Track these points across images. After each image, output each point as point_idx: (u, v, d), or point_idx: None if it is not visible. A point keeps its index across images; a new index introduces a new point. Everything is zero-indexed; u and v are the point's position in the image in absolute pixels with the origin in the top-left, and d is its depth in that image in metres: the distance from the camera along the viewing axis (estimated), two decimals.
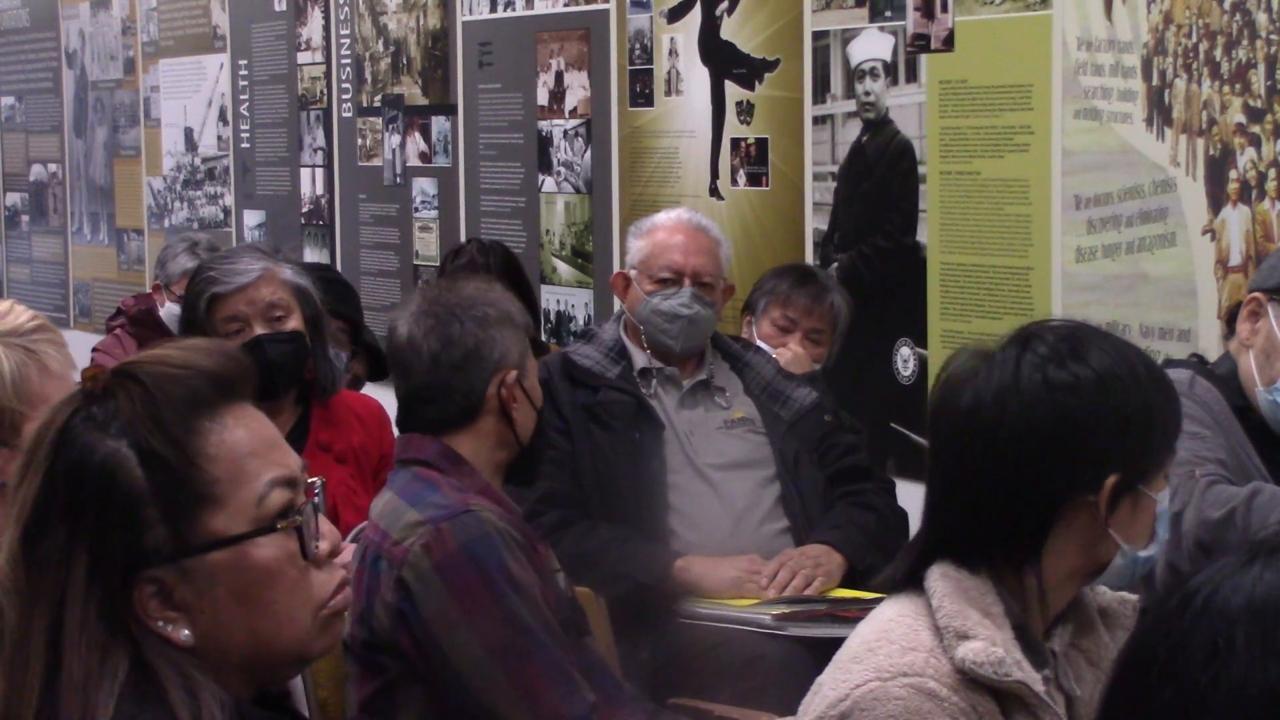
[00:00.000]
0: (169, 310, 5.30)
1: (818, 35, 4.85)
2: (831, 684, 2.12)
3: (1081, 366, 2.09)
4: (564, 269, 5.80)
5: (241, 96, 7.44)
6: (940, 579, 2.11)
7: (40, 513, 1.62)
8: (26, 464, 1.64)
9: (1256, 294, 3.15)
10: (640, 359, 4.02)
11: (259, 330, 3.66)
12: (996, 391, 2.10)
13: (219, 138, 7.59)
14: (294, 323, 3.71)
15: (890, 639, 2.10)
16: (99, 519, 1.61)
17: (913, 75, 4.59)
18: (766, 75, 5.03)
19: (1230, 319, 3.25)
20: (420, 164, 6.45)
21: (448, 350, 3.04)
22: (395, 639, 2.90)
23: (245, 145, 7.44)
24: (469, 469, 3.01)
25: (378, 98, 6.65)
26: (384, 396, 5.00)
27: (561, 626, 2.92)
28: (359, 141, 6.75)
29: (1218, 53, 3.93)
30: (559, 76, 5.79)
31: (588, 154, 5.69)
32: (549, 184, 5.86)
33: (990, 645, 2.06)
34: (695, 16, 5.26)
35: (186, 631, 1.63)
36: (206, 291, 3.68)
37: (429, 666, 2.88)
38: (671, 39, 5.35)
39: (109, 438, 1.63)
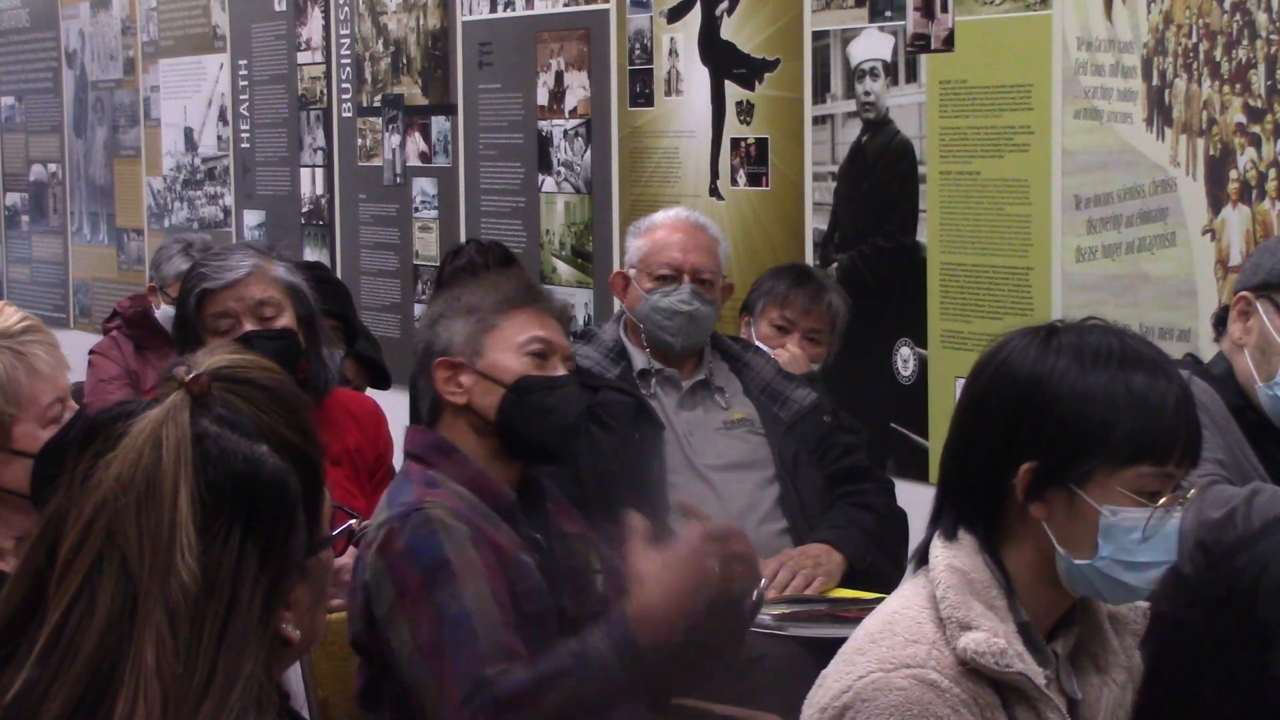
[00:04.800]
0: (164, 312, 5.27)
1: (818, 35, 4.85)
2: (835, 675, 2.13)
3: (1040, 357, 2.12)
4: (564, 269, 5.80)
5: (241, 96, 7.44)
6: (946, 571, 2.12)
7: (208, 519, 1.61)
8: (150, 473, 1.62)
9: (1244, 293, 3.16)
10: (640, 360, 4.03)
11: (249, 327, 3.63)
12: (985, 358, 2.19)
13: (219, 138, 7.59)
14: (285, 321, 3.68)
15: (894, 631, 2.12)
16: (272, 523, 1.64)
17: (913, 75, 4.59)
18: (766, 75, 5.03)
19: (1218, 321, 3.26)
20: (420, 164, 6.45)
21: (417, 352, 3.15)
22: (364, 637, 2.96)
23: (245, 145, 7.44)
24: (460, 458, 3.04)
25: (378, 98, 6.65)
26: (384, 399, 5.01)
27: (537, 617, 2.93)
28: (359, 141, 6.75)
29: (1218, 53, 3.93)
30: (559, 76, 5.79)
31: (588, 154, 5.69)
32: (549, 184, 5.86)
33: (992, 636, 2.07)
34: (695, 16, 5.25)
35: (299, 631, 1.68)
36: (197, 287, 3.66)
37: (387, 663, 2.93)
38: (671, 39, 5.35)
39: (254, 442, 1.65)
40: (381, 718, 3.01)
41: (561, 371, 3.10)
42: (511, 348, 3.07)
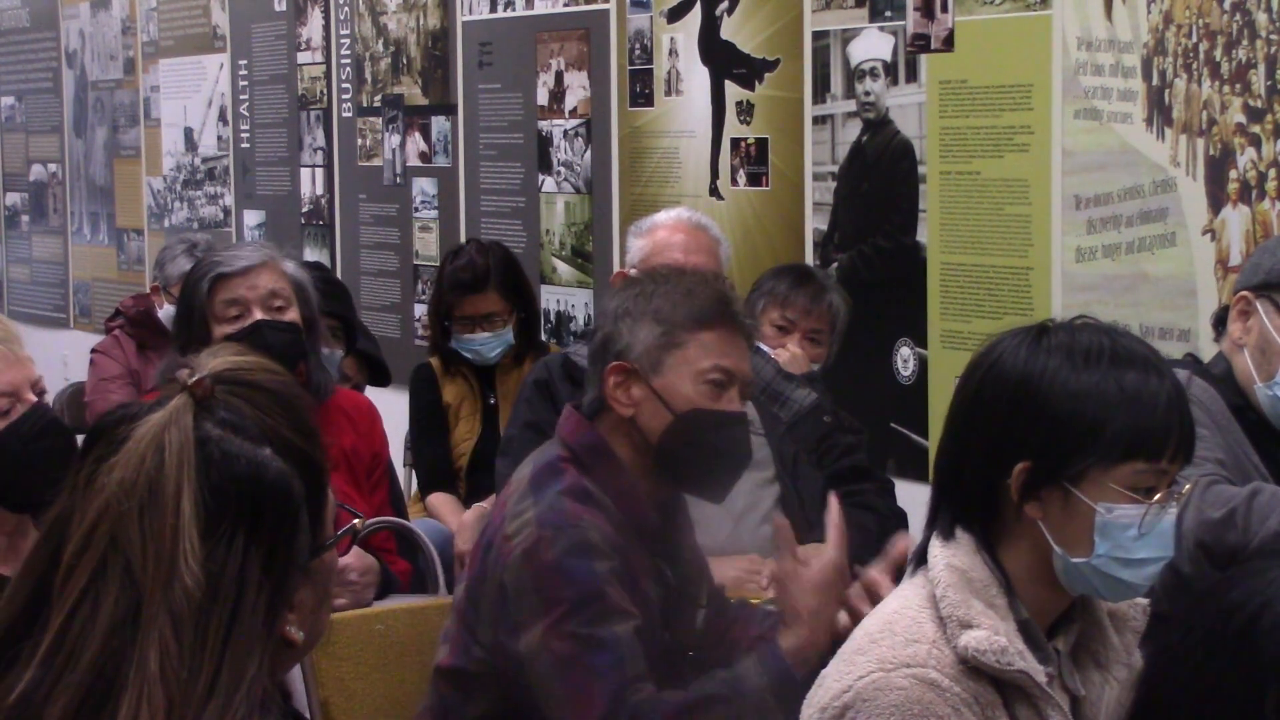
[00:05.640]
0: (167, 312, 5.27)
1: (818, 35, 4.85)
2: (835, 675, 2.14)
3: (1032, 357, 2.13)
4: (564, 269, 5.80)
5: (241, 96, 7.44)
6: (945, 570, 2.13)
7: (212, 523, 1.61)
8: (153, 477, 1.62)
9: (1244, 293, 3.16)
10: None
11: (259, 317, 3.61)
12: (977, 359, 2.19)
13: (219, 138, 7.60)
14: (292, 316, 3.67)
15: (893, 631, 2.12)
16: (276, 526, 1.64)
17: (913, 75, 4.59)
18: (766, 75, 5.03)
19: (1218, 321, 3.26)
20: (420, 164, 6.45)
21: (594, 338, 3.02)
22: (486, 634, 2.89)
23: (245, 145, 7.44)
24: (616, 466, 2.92)
25: (378, 98, 6.65)
26: (384, 399, 5.01)
27: (662, 618, 2.88)
28: (359, 141, 6.75)
29: (1218, 53, 3.93)
30: (559, 76, 5.79)
31: (588, 154, 5.69)
32: (549, 184, 5.86)
33: (993, 634, 2.07)
34: (695, 16, 5.26)
35: (302, 633, 1.69)
36: (211, 271, 3.63)
37: (505, 666, 2.87)
38: (671, 39, 5.35)
39: (258, 445, 1.65)
40: (465, 703, 2.95)
41: (737, 405, 2.95)
42: (692, 373, 2.91)
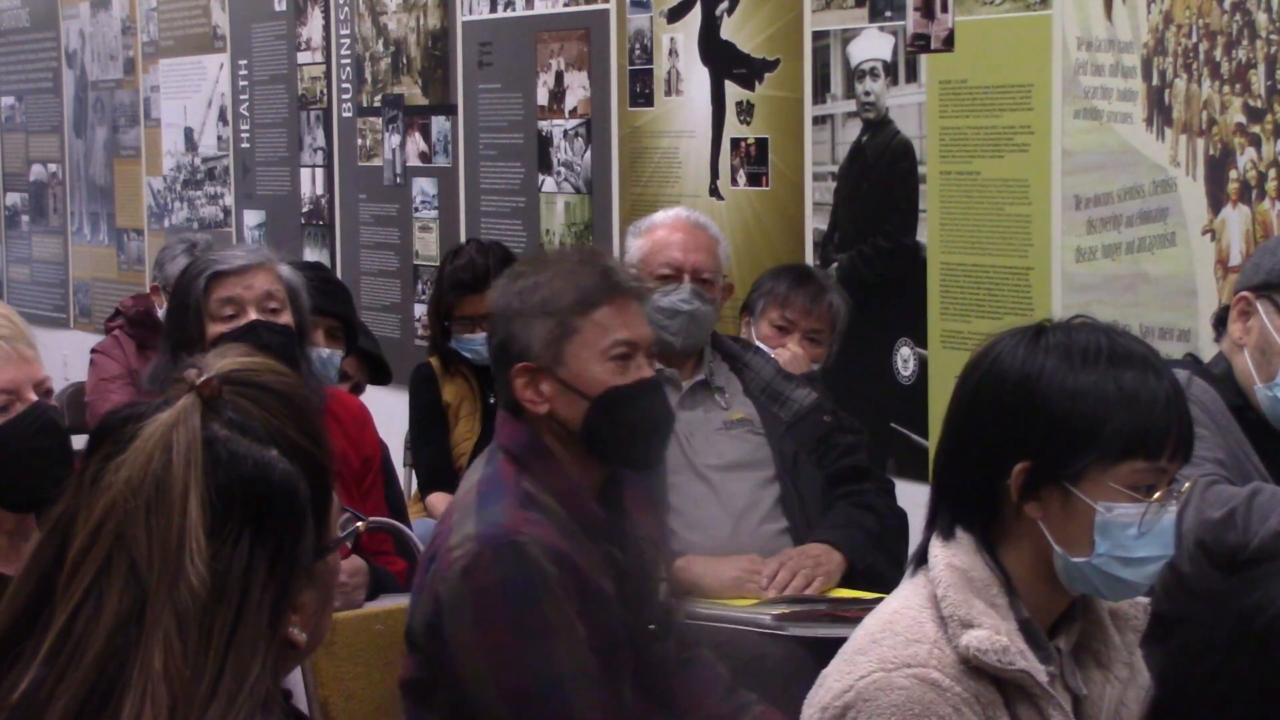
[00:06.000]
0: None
1: (818, 35, 4.85)
2: (836, 675, 2.14)
3: (1029, 357, 2.13)
4: None
5: (241, 96, 7.44)
6: (946, 570, 2.13)
7: (218, 523, 1.61)
8: (159, 476, 1.62)
9: (1245, 293, 3.16)
10: None
11: (254, 317, 3.60)
12: (975, 360, 2.19)
13: (219, 138, 7.60)
14: (286, 319, 3.66)
15: (894, 631, 2.12)
16: (281, 527, 1.64)
17: (913, 75, 4.59)
18: (766, 75, 5.03)
19: (1218, 322, 3.26)
20: (420, 164, 6.45)
21: (492, 344, 3.02)
22: (425, 642, 2.89)
23: (245, 145, 7.44)
24: (555, 465, 2.92)
25: (378, 98, 6.65)
26: (384, 398, 5.01)
27: (610, 648, 2.86)
28: (359, 141, 6.75)
29: (1218, 53, 3.93)
30: (559, 76, 5.79)
31: (588, 154, 5.69)
32: (549, 184, 5.86)
33: (994, 634, 2.08)
34: (695, 16, 5.26)
35: (305, 635, 1.69)
36: (208, 269, 3.61)
37: (442, 678, 2.88)
38: (671, 39, 5.35)
39: (264, 446, 1.65)
40: (426, 714, 2.96)
41: (647, 371, 2.95)
42: (594, 354, 2.91)
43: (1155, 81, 4.06)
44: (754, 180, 5.10)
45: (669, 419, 3.05)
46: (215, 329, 3.57)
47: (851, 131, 4.78)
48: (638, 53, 5.47)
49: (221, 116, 7.57)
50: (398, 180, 6.55)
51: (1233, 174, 3.92)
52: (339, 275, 6.26)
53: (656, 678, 2.93)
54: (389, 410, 4.97)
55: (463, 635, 2.82)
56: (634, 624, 2.93)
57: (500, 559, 2.80)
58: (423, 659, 2.93)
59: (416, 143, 6.46)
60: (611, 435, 2.93)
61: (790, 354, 4.26)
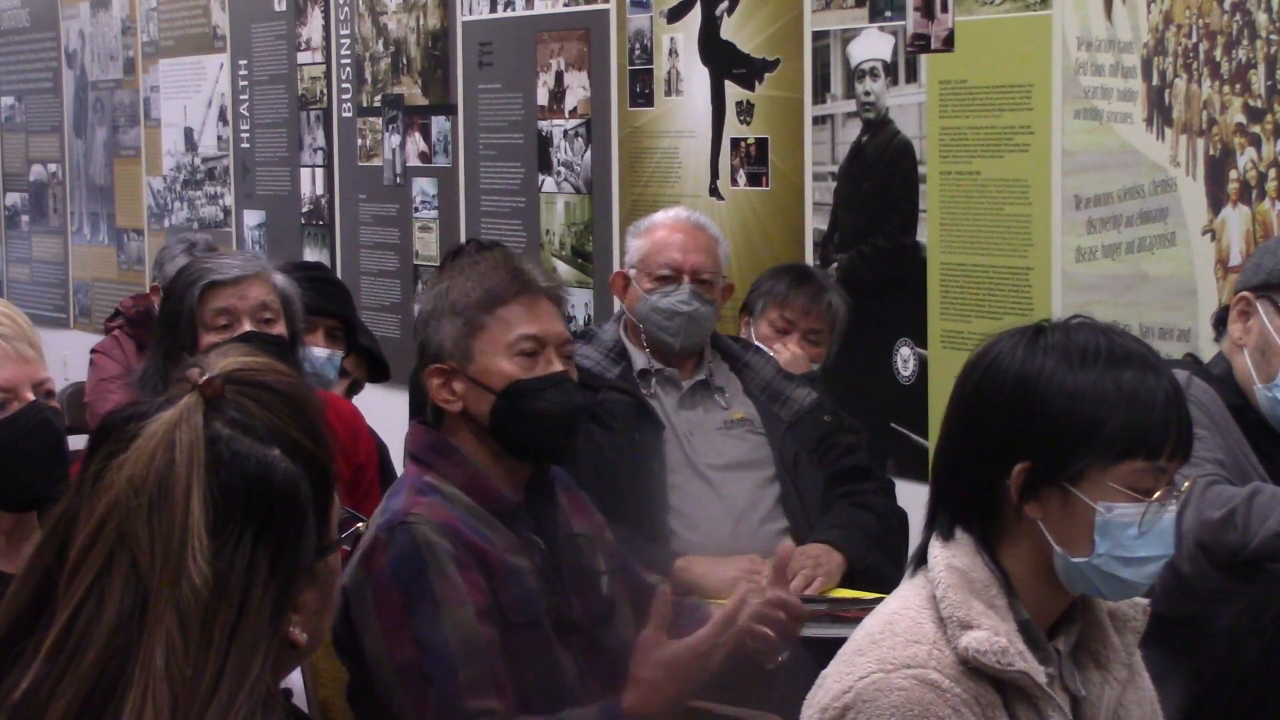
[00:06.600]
0: None
1: (818, 35, 4.85)
2: (835, 676, 2.14)
3: (1029, 357, 2.13)
4: (564, 269, 5.80)
5: (241, 96, 7.45)
6: (945, 570, 2.13)
7: (220, 522, 1.62)
8: (162, 475, 1.62)
9: (1245, 293, 3.17)
10: (640, 360, 4.03)
11: (248, 328, 3.61)
12: (974, 360, 2.20)
13: (219, 138, 7.60)
14: (280, 329, 3.68)
15: (894, 631, 2.12)
16: (283, 527, 1.64)
17: (913, 75, 4.60)
18: (766, 75, 5.03)
19: (1218, 322, 3.26)
20: (420, 164, 6.45)
21: (417, 349, 3.09)
22: (346, 641, 2.93)
23: (245, 145, 7.45)
24: (459, 459, 2.98)
25: (378, 98, 6.65)
26: (384, 397, 5.01)
27: (526, 626, 2.90)
28: (359, 141, 6.75)
29: (1218, 53, 3.93)
30: (559, 76, 5.79)
31: (588, 154, 5.69)
32: (549, 184, 5.86)
33: (993, 635, 2.08)
34: (695, 16, 5.26)
35: (306, 635, 1.69)
36: (203, 279, 3.62)
37: (364, 672, 2.92)
38: (671, 39, 5.35)
39: (267, 446, 1.66)
40: (368, 713, 2.99)
41: (556, 366, 3.01)
42: (500, 350, 2.98)
43: (1155, 81, 4.06)
44: (754, 180, 5.10)
45: (576, 410, 3.09)
46: (208, 339, 3.58)
47: (851, 131, 4.78)
48: (638, 53, 5.47)
49: (221, 116, 7.57)
50: (398, 180, 6.55)
51: (1233, 174, 3.92)
52: (339, 275, 6.26)
53: (613, 662, 2.95)
54: (389, 410, 4.97)
55: (365, 621, 2.88)
56: (569, 611, 2.96)
57: (393, 539, 2.87)
58: (350, 662, 2.96)
59: (416, 143, 6.46)
60: (518, 428, 2.98)
61: (790, 354, 4.27)
